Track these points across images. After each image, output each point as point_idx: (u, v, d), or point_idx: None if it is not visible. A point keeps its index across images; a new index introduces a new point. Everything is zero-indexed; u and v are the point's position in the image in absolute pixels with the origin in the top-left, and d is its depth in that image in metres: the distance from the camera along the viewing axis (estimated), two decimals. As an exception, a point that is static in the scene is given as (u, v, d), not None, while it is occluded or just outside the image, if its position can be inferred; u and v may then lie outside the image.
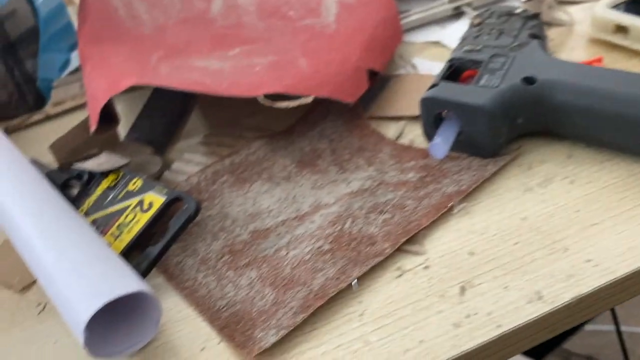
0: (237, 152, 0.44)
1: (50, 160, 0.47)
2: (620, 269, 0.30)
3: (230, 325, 0.31)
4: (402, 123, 0.44)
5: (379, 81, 0.49)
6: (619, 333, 1.03)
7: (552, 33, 0.51)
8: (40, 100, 0.58)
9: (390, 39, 0.50)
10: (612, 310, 1.02)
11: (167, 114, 0.52)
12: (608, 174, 0.36)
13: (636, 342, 1.40)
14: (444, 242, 0.34)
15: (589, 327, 1.36)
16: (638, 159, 0.36)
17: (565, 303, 0.29)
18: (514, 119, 0.38)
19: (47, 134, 0.53)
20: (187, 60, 0.47)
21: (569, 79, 0.38)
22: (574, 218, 0.33)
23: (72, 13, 0.66)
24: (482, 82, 0.39)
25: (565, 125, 0.38)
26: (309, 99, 0.40)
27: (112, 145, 0.46)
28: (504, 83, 0.38)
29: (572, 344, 1.39)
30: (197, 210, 0.36)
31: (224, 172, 0.42)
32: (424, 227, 0.35)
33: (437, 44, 0.54)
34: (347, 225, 0.35)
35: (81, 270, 0.31)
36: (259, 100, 0.41)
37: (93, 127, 0.41)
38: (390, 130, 0.44)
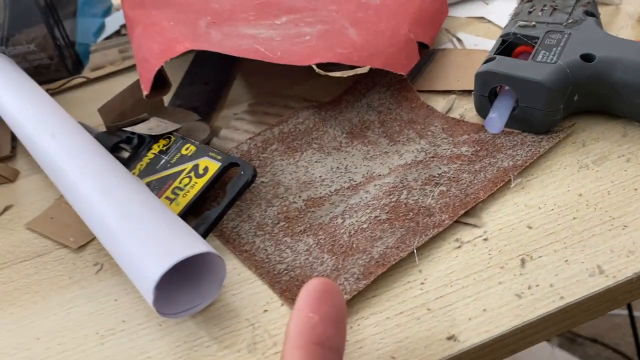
0: (286, 121, 0.44)
1: (95, 124, 0.47)
2: (682, 247, 0.30)
3: (292, 288, 0.32)
4: (452, 97, 0.44)
5: (426, 55, 0.49)
6: (631, 317, 1.04)
7: (600, 12, 0.50)
8: (78, 64, 0.58)
9: (437, 12, 0.50)
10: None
11: (209, 82, 0.52)
12: (664, 154, 0.36)
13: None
14: (501, 216, 0.34)
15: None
16: (695, 140, 0.36)
17: (628, 278, 0.29)
18: (571, 95, 0.38)
19: (88, 99, 0.53)
20: (235, 27, 0.46)
21: (628, 57, 0.37)
22: (632, 196, 0.33)
23: (106, -23, 0.66)
24: (539, 57, 0.39)
25: (623, 104, 0.38)
26: (365, 69, 0.40)
27: (158, 110, 0.46)
28: (561, 59, 0.38)
29: (577, 326, 1.40)
30: (254, 176, 0.37)
31: (274, 141, 0.42)
32: (482, 201, 0.35)
33: (481, 19, 0.54)
34: (403, 196, 0.36)
35: (147, 229, 0.31)
36: (314, 69, 0.40)
37: (146, 91, 0.41)
38: (439, 104, 0.44)
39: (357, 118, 0.43)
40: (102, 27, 0.65)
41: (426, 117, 0.42)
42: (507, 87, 0.39)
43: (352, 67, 0.41)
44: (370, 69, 0.41)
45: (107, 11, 0.66)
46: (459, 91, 0.44)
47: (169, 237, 0.30)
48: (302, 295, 0.24)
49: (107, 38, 0.62)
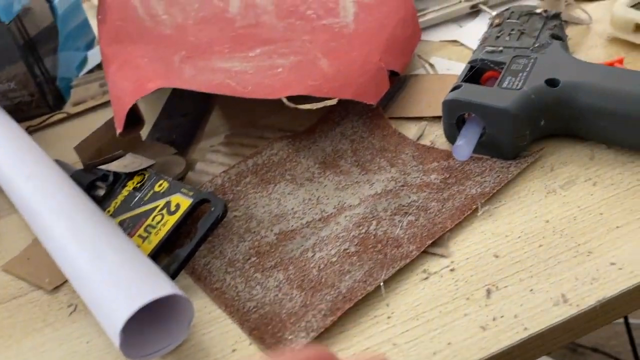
0: (260, 153, 0.44)
1: (73, 161, 0.47)
2: (645, 273, 0.30)
3: (260, 327, 0.32)
4: (422, 124, 0.45)
5: (398, 81, 0.49)
6: (627, 325, 1.03)
7: (570, 31, 0.51)
8: (59, 100, 0.58)
9: (410, 38, 0.51)
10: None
11: (187, 114, 0.53)
12: (631, 176, 0.36)
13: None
14: (468, 245, 0.34)
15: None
16: (661, 161, 0.37)
17: (591, 306, 0.29)
18: (537, 120, 0.38)
19: (68, 134, 0.54)
20: (209, 61, 0.47)
21: (592, 81, 0.38)
22: (598, 221, 0.34)
23: (88, 10, 0.67)
24: (505, 84, 0.39)
25: (588, 127, 0.38)
26: (333, 101, 0.41)
27: (134, 145, 0.47)
28: (527, 85, 0.38)
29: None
30: (224, 212, 0.37)
31: (248, 173, 0.43)
32: (449, 230, 0.35)
33: (454, 42, 0.54)
34: (372, 227, 0.36)
35: (115, 272, 0.31)
36: (284, 102, 0.41)
37: (120, 129, 0.41)
38: (410, 130, 0.44)
39: (330, 147, 0.44)
40: (84, 61, 0.65)
41: (397, 145, 0.43)
42: (474, 114, 0.39)
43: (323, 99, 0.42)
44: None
45: (90, 44, 0.67)
46: (430, 117, 0.45)
47: (135, 280, 0.31)
48: None
49: (89, 71, 0.63)
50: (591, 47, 0.49)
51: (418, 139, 0.43)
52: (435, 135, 0.43)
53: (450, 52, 0.53)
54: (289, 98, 0.41)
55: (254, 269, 0.36)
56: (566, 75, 0.39)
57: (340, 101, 0.46)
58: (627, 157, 0.38)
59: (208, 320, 0.33)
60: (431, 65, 0.51)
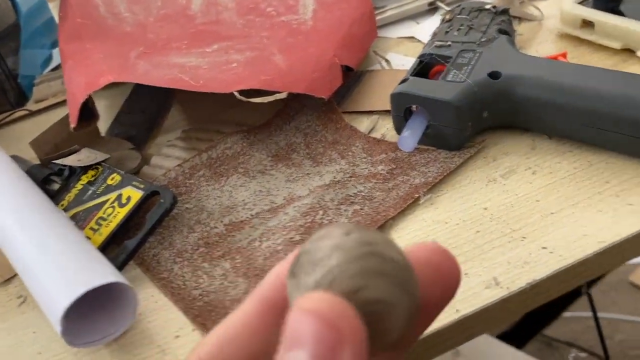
0: (215, 147, 0.45)
1: (33, 157, 0.48)
2: (573, 256, 0.31)
3: (204, 314, 0.33)
4: (374, 117, 0.46)
5: (354, 76, 0.50)
6: (596, 319, 1.05)
7: (522, 28, 0.52)
8: (21, 97, 0.59)
9: (366, 35, 0.52)
10: (589, 297, 1.05)
11: (147, 109, 0.53)
12: (569, 165, 0.37)
13: (615, 327, 1.43)
14: (409, 232, 0.35)
15: (567, 314, 1.39)
16: (597, 150, 0.38)
17: (521, 288, 0.30)
18: (479, 112, 0.40)
19: (30, 131, 0.54)
20: (166, 57, 0.48)
21: (531, 74, 0.39)
22: (534, 207, 0.35)
23: (54, 9, 0.67)
24: (450, 77, 0.40)
25: (528, 119, 0.39)
26: (283, 95, 0.42)
27: (93, 140, 0.47)
28: (470, 78, 0.39)
29: (552, 330, 1.42)
30: (173, 204, 0.38)
31: (202, 167, 0.43)
32: (391, 218, 0.36)
33: (411, 39, 0.55)
34: (318, 217, 0.37)
35: (59, 262, 0.32)
36: (235, 95, 0.42)
37: (73, 124, 0.42)
38: (363, 124, 0.45)
39: (284, 141, 0.45)
40: (49, 58, 0.66)
41: (349, 138, 0.44)
42: (420, 107, 0.40)
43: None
44: (300, 93, 0.43)
45: (56, 42, 0.67)
46: (382, 111, 0.46)
47: (78, 269, 0.31)
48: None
49: (54, 69, 0.63)
50: (542, 43, 0.51)
51: (369, 132, 0.44)
52: (387, 129, 0.44)
53: (407, 48, 0.54)
54: (242, 92, 0.42)
55: (202, 258, 0.36)
56: (508, 68, 0.40)
57: (295, 96, 0.47)
58: (567, 147, 0.39)
59: (154, 308, 0.34)
60: (387, 61, 0.52)
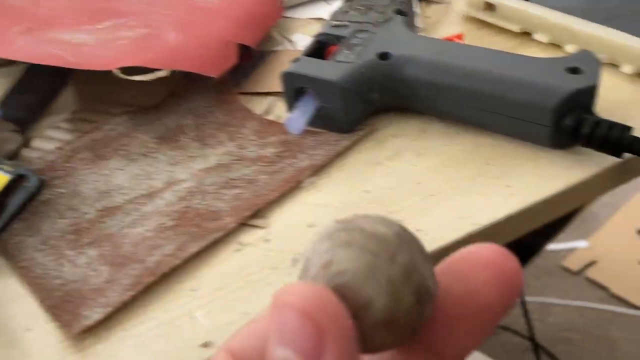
0: (99, 128, 0.42)
1: None
2: (445, 238, 0.31)
3: (60, 304, 0.30)
4: (272, 99, 0.44)
5: (256, 57, 0.48)
6: (523, 303, 1.08)
7: (431, 10, 0.52)
8: None
9: (268, 15, 0.50)
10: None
11: (37, 90, 0.50)
12: (454, 147, 0.37)
13: (547, 311, 1.47)
14: (287, 216, 0.34)
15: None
16: (482, 132, 0.37)
17: (390, 272, 0.30)
18: (368, 94, 0.38)
19: None
20: (51, 33, 0.45)
21: (421, 55, 0.38)
22: (414, 190, 0.34)
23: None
24: (340, 57, 0.39)
25: (418, 100, 0.39)
26: (165, 72, 0.39)
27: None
28: (360, 59, 0.38)
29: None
30: (39, 187, 0.35)
31: (83, 149, 0.41)
32: (272, 202, 0.35)
33: (320, 19, 0.54)
34: (195, 201, 0.35)
35: None
36: (114, 73, 0.39)
37: None
38: (260, 105, 0.44)
39: (174, 122, 0.43)
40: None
41: (242, 120, 0.42)
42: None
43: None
44: (195, 72, 0.41)
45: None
46: (279, 93, 0.44)
47: None
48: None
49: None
50: (448, 25, 0.50)
51: (265, 114, 0.43)
52: (283, 110, 0.43)
53: (314, 29, 0.52)
54: (132, 72, 0.40)
55: (68, 246, 0.34)
56: (398, 49, 0.39)
57: (191, 76, 0.45)
58: (455, 129, 0.38)
59: (12, 297, 0.31)
60: (291, 43, 0.51)
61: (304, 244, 0.32)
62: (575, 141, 0.34)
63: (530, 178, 0.34)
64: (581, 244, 1.64)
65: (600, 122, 0.33)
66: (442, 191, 0.34)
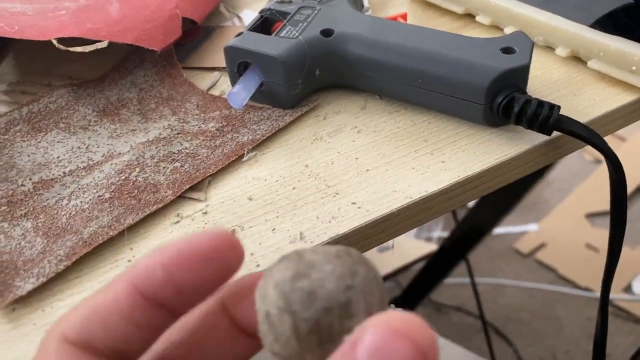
0: (37, 101, 0.41)
1: None
2: (378, 211, 0.32)
3: (-9, 276, 0.30)
4: (216, 74, 0.44)
5: (202, 33, 0.48)
6: (473, 285, 1.11)
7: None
8: None
9: (216, -11, 0.49)
10: (468, 264, 1.10)
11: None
12: (393, 124, 0.38)
13: (499, 292, 1.52)
14: (227, 189, 0.34)
15: (452, 280, 1.46)
16: (422, 110, 0.38)
17: (324, 242, 0.30)
18: (311, 70, 0.39)
19: None
20: (-13, 1, 0.43)
21: (363, 32, 0.39)
22: (352, 165, 0.35)
23: None
24: (283, 33, 0.39)
25: (359, 78, 0.39)
26: (104, 44, 0.39)
27: None
28: (303, 35, 0.39)
29: (440, 296, 1.49)
30: (-30, 159, 0.34)
31: (20, 121, 0.40)
32: (212, 175, 0.35)
33: (270, -3, 0.54)
34: (134, 174, 0.35)
35: None
36: (54, 44, 0.38)
37: None
38: (204, 81, 0.44)
39: (116, 96, 0.42)
40: None
41: (185, 94, 0.42)
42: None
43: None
44: (137, 46, 0.40)
45: None
46: (225, 68, 0.44)
47: None
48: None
49: None
50: (394, 6, 0.51)
51: (209, 89, 0.43)
52: (228, 86, 0.43)
53: (263, 5, 0.52)
54: (68, 42, 0.39)
55: (2, 218, 0.33)
56: (341, 27, 0.39)
57: (136, 50, 0.44)
58: (395, 107, 0.39)
59: (-63, 271, 0.31)
60: (239, 18, 0.50)
61: (242, 216, 0.32)
62: (507, 119, 0.35)
63: (463, 154, 0.35)
64: (532, 227, 1.69)
65: (530, 100, 0.34)
66: (378, 166, 0.35)
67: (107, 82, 0.43)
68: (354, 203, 0.32)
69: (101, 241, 0.31)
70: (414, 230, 1.67)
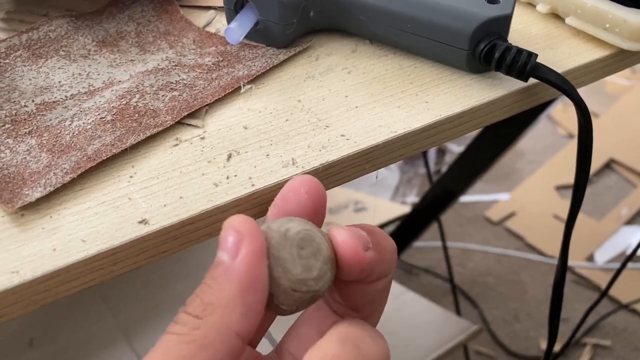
0: (37, 29, 0.42)
1: None
2: (365, 142, 0.34)
3: (1, 185, 0.32)
4: (212, 12, 0.45)
5: (199, -28, 0.49)
6: (444, 248, 1.15)
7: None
8: None
9: None
10: (440, 226, 1.14)
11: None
12: (381, 67, 0.40)
13: (468, 257, 1.58)
14: (223, 118, 0.36)
15: (423, 243, 1.51)
16: (408, 55, 0.41)
17: (315, 167, 0.33)
18: (306, 11, 0.41)
19: None
20: None
21: (357, -22, 0.40)
22: (342, 102, 0.37)
23: None
24: (280, -27, 0.41)
25: (352, 21, 0.41)
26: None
27: None
28: (299, -24, 0.40)
29: (411, 258, 1.54)
30: (-25, 77, 0.35)
31: (20, 47, 0.41)
32: (208, 105, 0.37)
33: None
34: (134, 100, 0.37)
35: None
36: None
37: None
38: (201, 19, 0.45)
39: (114, 29, 0.43)
40: None
41: (182, 30, 0.43)
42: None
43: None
44: None
45: None
46: (221, 7, 0.45)
47: None
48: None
49: None
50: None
51: (205, 26, 0.44)
52: (223, 24, 0.44)
53: (258, -48, 0.53)
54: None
55: (6, 134, 0.35)
56: (337, -29, 0.41)
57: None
58: (384, 51, 0.41)
59: (-54, 180, 0.32)
60: (235, -38, 0.51)
61: (237, 142, 0.35)
62: (488, 66, 0.38)
63: (445, 96, 0.37)
64: (503, 196, 1.75)
65: (510, 48, 0.37)
66: (366, 104, 0.37)
67: (105, 15, 0.44)
68: (342, 135, 0.35)
69: (104, 157, 0.33)
70: (390, 193, 1.71)
